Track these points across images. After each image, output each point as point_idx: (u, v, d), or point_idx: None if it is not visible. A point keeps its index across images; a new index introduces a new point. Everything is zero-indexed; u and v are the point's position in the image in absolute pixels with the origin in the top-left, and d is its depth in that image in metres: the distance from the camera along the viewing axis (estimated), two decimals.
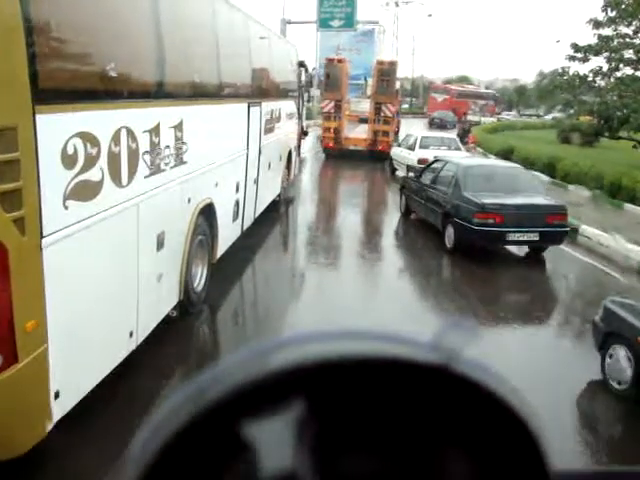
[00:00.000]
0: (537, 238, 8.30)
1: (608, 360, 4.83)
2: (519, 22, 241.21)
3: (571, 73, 19.07)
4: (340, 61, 20.19)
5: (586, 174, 15.13)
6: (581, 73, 18.90)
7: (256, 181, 8.56)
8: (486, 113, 50.41)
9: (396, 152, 16.63)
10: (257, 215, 9.00)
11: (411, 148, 15.28)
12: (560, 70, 19.67)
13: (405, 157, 15.13)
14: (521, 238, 8.31)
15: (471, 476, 0.36)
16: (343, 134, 19.76)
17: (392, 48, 51.55)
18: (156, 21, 4.45)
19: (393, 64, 20.65)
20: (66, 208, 3.17)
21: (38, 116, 2.81)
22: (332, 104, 19.34)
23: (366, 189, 16.49)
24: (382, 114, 19.36)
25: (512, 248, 9.15)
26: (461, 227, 8.37)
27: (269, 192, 10.03)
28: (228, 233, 7.07)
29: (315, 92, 17.22)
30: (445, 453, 0.35)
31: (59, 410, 3.28)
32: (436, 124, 39.96)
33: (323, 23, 25.46)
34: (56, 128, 3.02)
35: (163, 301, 5.03)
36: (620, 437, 4.62)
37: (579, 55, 18.47)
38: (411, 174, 11.16)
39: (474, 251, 8.43)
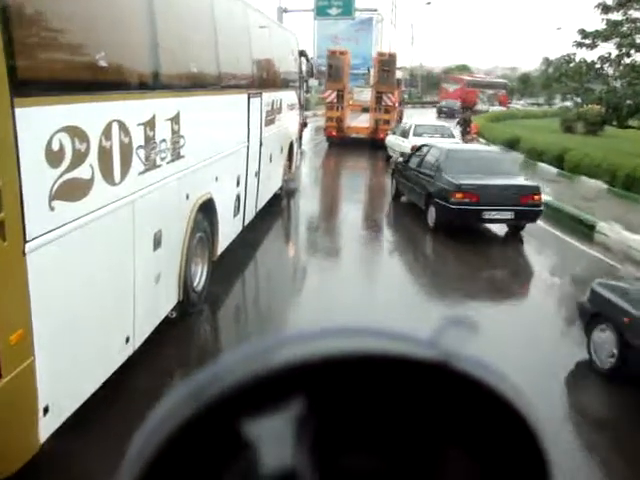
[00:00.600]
0: (512, 217, 8.97)
1: (594, 340, 4.94)
2: (518, 10, 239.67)
3: (577, 60, 18.63)
4: (342, 53, 20.84)
5: (598, 166, 14.24)
6: (588, 60, 18.44)
7: (257, 174, 8.31)
8: (495, 102, 50.16)
9: (390, 140, 16.93)
10: (259, 209, 8.77)
11: (405, 135, 15.53)
12: (566, 57, 19.18)
13: (399, 144, 15.36)
14: (496, 216, 8.96)
15: (471, 474, 0.36)
16: (345, 123, 20.25)
17: (390, 37, 51.05)
18: (150, 6, 4.18)
19: (393, 56, 21.51)
20: (52, 209, 2.93)
21: (18, 110, 2.56)
22: (334, 94, 19.86)
23: (364, 174, 16.97)
24: (383, 103, 20.02)
25: (494, 229, 9.83)
26: (441, 206, 9.02)
27: (271, 185, 9.79)
28: (229, 229, 6.84)
29: (313, 82, 17.31)
30: (445, 451, 0.35)
31: (49, 426, 3.07)
32: (445, 113, 40.21)
33: (320, 11, 25.13)
34: (38, 122, 2.78)
35: (161, 303, 4.80)
36: (604, 417, 4.59)
37: (587, 41, 17.93)
38: (400, 159, 11.81)
39: (453, 229, 9.07)
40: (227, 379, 0.32)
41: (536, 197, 9.03)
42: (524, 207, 8.90)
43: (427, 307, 6.41)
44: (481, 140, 23.08)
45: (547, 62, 20.93)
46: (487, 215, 8.85)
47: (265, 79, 8.58)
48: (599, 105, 19.04)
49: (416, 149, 11.21)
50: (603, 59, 18.04)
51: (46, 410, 3.01)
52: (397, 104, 23.75)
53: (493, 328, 5.25)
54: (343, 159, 18.75)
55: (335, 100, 19.89)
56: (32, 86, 2.71)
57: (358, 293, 6.92)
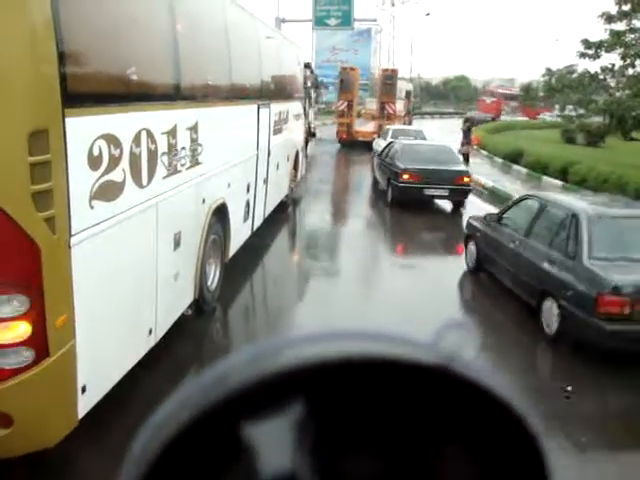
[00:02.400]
0: (447, 193, 11.92)
1: (467, 251, 8.14)
2: (515, 21, 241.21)
3: (580, 71, 18.03)
4: (352, 69, 25.40)
5: (606, 181, 13.63)
6: (591, 71, 17.78)
7: (265, 181, 8.66)
8: (518, 113, 50.18)
9: (376, 141, 19.82)
10: (266, 215, 9.10)
11: (384, 138, 18.02)
12: (568, 68, 18.68)
13: (379, 144, 17.74)
14: (434, 193, 11.94)
15: (471, 476, 0.36)
16: (354, 128, 23.94)
17: (389, 48, 51.30)
18: (174, 26, 4.55)
19: (395, 71, 26.86)
20: (92, 208, 3.27)
21: (67, 119, 2.91)
22: (345, 104, 23.73)
23: (362, 160, 20.23)
24: (385, 111, 24.19)
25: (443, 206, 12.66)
26: (394, 186, 12.10)
27: (278, 193, 10.13)
28: (239, 233, 7.17)
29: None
30: (445, 453, 0.36)
31: (86, 404, 3.38)
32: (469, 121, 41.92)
33: (319, 21, 24.92)
34: (83, 130, 3.12)
35: (180, 299, 5.13)
36: (471, 294, 7.88)
37: (590, 52, 17.18)
38: (377, 153, 15.04)
39: (405, 204, 11.96)
40: (227, 383, 0.33)
41: (466, 179, 12.06)
42: (456, 186, 11.80)
43: (379, 241, 10.58)
44: (482, 152, 22.87)
45: (549, 72, 20.26)
46: (427, 192, 11.79)
47: (273, 90, 8.95)
48: (602, 116, 18.49)
49: (386, 145, 14.28)
50: (606, 70, 17.47)
51: (84, 389, 3.32)
52: (403, 113, 28.47)
53: (419, 248, 9.80)
54: (349, 153, 22.78)
55: (346, 109, 23.58)
56: (78, 98, 3.06)
57: (338, 229, 11.31)
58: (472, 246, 7.90)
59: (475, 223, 7.99)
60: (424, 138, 17.95)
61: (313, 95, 14.73)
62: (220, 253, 6.33)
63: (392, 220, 12.18)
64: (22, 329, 2.86)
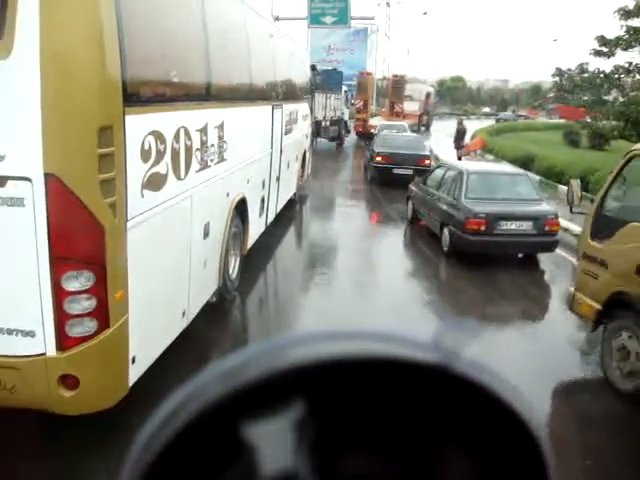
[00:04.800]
0: (411, 172, 13.81)
1: (408, 209, 11.32)
2: (508, 23, 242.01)
3: (592, 70, 17.09)
4: (368, 74, 31.43)
5: None
6: (605, 70, 16.70)
7: (278, 179, 9.05)
8: (554, 116, 50.43)
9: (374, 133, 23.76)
10: (278, 211, 9.49)
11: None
12: (579, 67, 17.56)
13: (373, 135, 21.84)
14: (401, 172, 14.43)
15: (471, 476, 0.36)
16: (368, 122, 28.53)
17: (385, 48, 51.28)
18: (207, 35, 4.96)
19: (403, 76, 34.95)
20: (142, 196, 3.66)
21: (127, 117, 3.30)
22: (362, 103, 28.70)
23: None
24: (394, 110, 31.94)
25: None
26: (370, 166, 15.81)
27: (288, 190, 10.53)
28: (256, 227, 7.56)
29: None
30: (445, 453, 0.36)
31: (134, 374, 3.76)
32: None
33: (314, 19, 24.38)
34: (137, 127, 3.51)
35: (207, 286, 5.51)
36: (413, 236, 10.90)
37: (604, 49, 16.14)
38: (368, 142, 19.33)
39: (380, 181, 15.28)
40: (228, 382, 0.33)
41: (427, 161, 14.93)
42: (419, 167, 14.29)
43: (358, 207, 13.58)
44: (488, 157, 21.73)
45: (559, 72, 19.43)
46: (395, 170, 14.67)
47: (284, 92, 9.34)
48: (616, 119, 17.11)
49: (373, 135, 19.12)
50: (621, 69, 16.47)
51: (133, 360, 3.70)
52: (418, 112, 36.89)
53: (383, 213, 12.66)
54: (361, 141, 27.21)
55: (362, 107, 28.50)
56: (134, 98, 3.45)
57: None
58: (410, 204, 11.18)
59: (412, 187, 11.19)
60: (405, 131, 21.89)
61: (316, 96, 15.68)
62: (239, 245, 6.72)
63: (369, 192, 15.49)
64: (88, 302, 3.24)
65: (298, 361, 0.34)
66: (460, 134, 20.48)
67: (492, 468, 0.36)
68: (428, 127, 39.59)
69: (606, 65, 17.15)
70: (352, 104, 28.69)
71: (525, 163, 18.43)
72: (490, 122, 44.42)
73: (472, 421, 0.35)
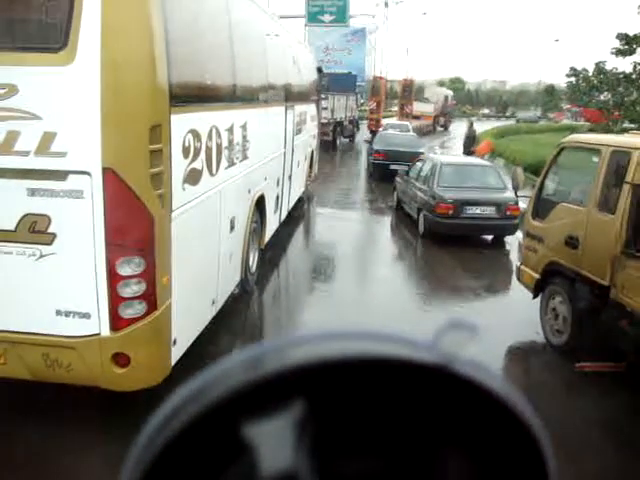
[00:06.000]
0: (406, 168, 13.66)
1: (394, 198, 12.71)
2: (505, 24, 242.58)
3: (610, 70, 16.17)
4: (381, 78, 33.50)
5: None
6: (624, 70, 15.83)
7: (290, 177, 9.36)
8: (580, 118, 50.90)
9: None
10: (289, 209, 9.80)
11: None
12: (597, 67, 16.49)
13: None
14: (396, 167, 14.21)
15: (471, 476, 0.36)
16: (380, 122, 30.25)
17: (382, 49, 51.30)
18: (233, 43, 5.28)
19: (412, 80, 38.86)
20: (184, 190, 3.97)
21: (172, 116, 3.61)
22: (375, 104, 30.48)
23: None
24: (404, 111, 35.26)
25: None
26: (369, 161, 17.77)
27: (298, 188, 10.84)
28: (272, 223, 7.87)
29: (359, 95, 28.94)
30: (445, 453, 0.36)
31: (175, 355, 4.06)
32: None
33: (312, 17, 24.00)
34: (180, 126, 3.82)
35: (232, 277, 5.82)
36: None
37: (624, 47, 15.20)
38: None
39: (377, 177, 16.68)
40: (228, 382, 0.33)
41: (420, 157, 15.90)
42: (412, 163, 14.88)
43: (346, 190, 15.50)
44: (498, 161, 20.87)
45: (574, 72, 17.34)
46: (391, 166, 15.25)
47: (295, 93, 9.66)
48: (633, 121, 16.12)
49: (374, 134, 21.22)
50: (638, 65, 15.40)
51: (175, 342, 4.00)
52: (433, 114, 39.51)
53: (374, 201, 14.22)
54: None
55: (375, 107, 30.28)
56: (178, 100, 3.75)
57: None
58: (395, 194, 12.68)
59: (397, 178, 12.58)
60: (408, 130, 23.30)
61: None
62: (257, 240, 7.03)
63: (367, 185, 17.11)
64: (139, 286, 3.54)
65: (298, 362, 0.34)
66: (470, 139, 19.58)
67: (492, 468, 0.36)
68: (447, 128, 43.37)
69: (623, 65, 16.72)
70: (361, 104, 32.03)
71: (539, 169, 17.10)
72: (492, 124, 44.59)
73: (472, 421, 0.35)
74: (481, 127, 40.22)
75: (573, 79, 17.84)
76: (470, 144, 19.38)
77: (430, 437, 0.36)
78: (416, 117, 35.45)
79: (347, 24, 28.07)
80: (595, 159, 5.32)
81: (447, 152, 23.78)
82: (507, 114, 72.51)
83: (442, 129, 42.37)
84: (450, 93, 47.35)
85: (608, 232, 4.90)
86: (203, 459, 0.34)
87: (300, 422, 0.33)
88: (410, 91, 36.38)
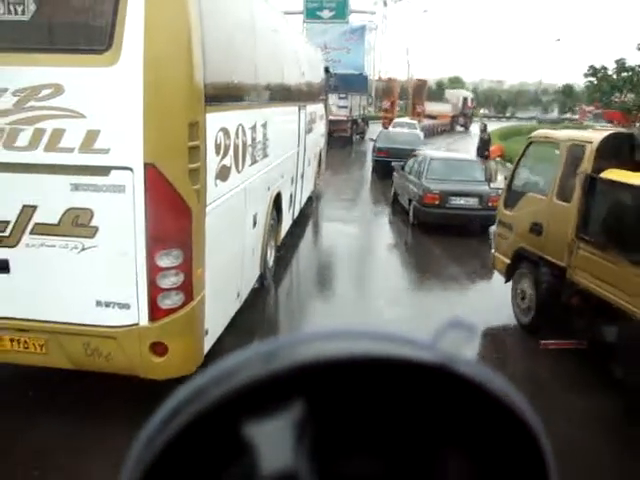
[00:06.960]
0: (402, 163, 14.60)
1: (391, 191, 13.31)
2: (503, 24, 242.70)
3: (632, 67, 15.79)
4: (393, 80, 36.32)
5: None
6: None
7: (302, 176, 9.51)
8: (601, 119, 51.16)
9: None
10: (301, 207, 9.95)
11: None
12: (617, 67, 15.99)
13: None
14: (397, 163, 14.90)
15: (471, 476, 0.36)
16: (394, 120, 31.15)
17: (381, 48, 51.42)
18: (256, 46, 5.45)
19: (425, 81, 41.25)
20: (216, 185, 4.12)
21: (207, 115, 3.76)
22: (389, 103, 33.51)
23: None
24: (416, 110, 36.77)
25: None
26: (373, 158, 18.28)
27: (308, 187, 10.99)
28: (287, 220, 8.02)
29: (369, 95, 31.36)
30: (445, 453, 0.36)
31: (207, 345, 4.21)
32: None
33: (310, 13, 23.47)
34: (213, 124, 3.97)
35: (253, 272, 5.97)
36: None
37: None
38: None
39: (380, 174, 17.05)
40: (228, 382, 0.33)
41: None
42: None
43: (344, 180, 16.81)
44: (509, 165, 20.34)
45: (593, 71, 17.21)
46: (393, 163, 14.75)
47: (306, 93, 9.81)
48: None
49: (379, 133, 20.85)
50: None
51: (207, 332, 4.15)
52: (451, 114, 41.50)
53: (375, 196, 15.24)
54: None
55: (389, 107, 33.22)
56: (212, 99, 3.90)
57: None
58: (392, 187, 13.36)
59: (394, 173, 13.11)
60: (415, 128, 24.18)
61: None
62: (274, 237, 7.17)
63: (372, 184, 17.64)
64: (176, 277, 3.69)
65: (298, 362, 0.34)
66: (484, 143, 18.66)
67: (492, 468, 0.36)
68: (467, 128, 44.77)
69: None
70: (369, 103, 34.46)
71: None
72: (497, 125, 44.59)
73: (471, 421, 0.35)
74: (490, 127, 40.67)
75: (592, 78, 16.89)
76: (485, 147, 18.36)
77: (430, 437, 0.36)
78: (431, 117, 37.38)
79: (347, 20, 27.58)
80: (557, 152, 5.80)
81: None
82: (507, 114, 72.61)
83: (462, 129, 44.22)
84: (470, 95, 48.87)
85: (565, 219, 5.40)
86: (203, 459, 0.34)
87: (300, 422, 0.33)
88: (422, 91, 38.33)
